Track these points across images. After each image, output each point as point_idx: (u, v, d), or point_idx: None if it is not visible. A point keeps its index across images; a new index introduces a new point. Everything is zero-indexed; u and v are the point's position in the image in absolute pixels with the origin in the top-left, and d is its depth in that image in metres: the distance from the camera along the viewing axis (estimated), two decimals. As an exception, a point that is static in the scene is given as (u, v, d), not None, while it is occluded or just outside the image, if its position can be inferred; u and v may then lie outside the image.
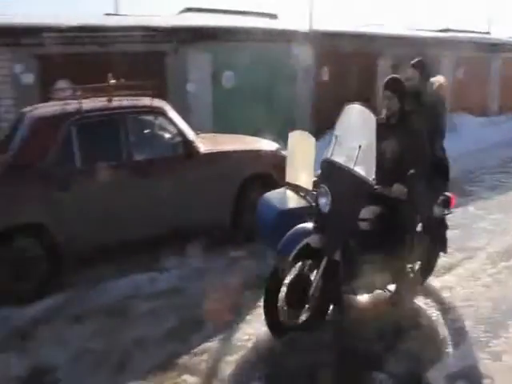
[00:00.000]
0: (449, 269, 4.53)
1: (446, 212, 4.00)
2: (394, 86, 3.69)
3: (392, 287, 3.80)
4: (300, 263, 3.50)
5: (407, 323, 3.68)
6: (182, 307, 3.91)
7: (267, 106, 8.83)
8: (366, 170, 3.29)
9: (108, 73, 4.82)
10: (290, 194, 3.94)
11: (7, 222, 3.96)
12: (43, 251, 4.16)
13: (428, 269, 4.15)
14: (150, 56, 8.00)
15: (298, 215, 3.53)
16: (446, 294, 4.12)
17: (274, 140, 5.79)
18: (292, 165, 4.05)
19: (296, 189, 3.90)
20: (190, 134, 5.03)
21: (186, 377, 3.11)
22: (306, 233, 3.40)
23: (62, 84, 6.75)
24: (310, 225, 3.41)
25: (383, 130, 3.41)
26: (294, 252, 3.30)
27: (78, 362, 3.27)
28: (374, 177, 3.29)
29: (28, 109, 4.74)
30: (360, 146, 3.25)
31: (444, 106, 4.60)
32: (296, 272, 3.51)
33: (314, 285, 3.41)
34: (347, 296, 3.71)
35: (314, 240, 3.37)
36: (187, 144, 4.86)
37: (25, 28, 7.14)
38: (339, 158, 3.38)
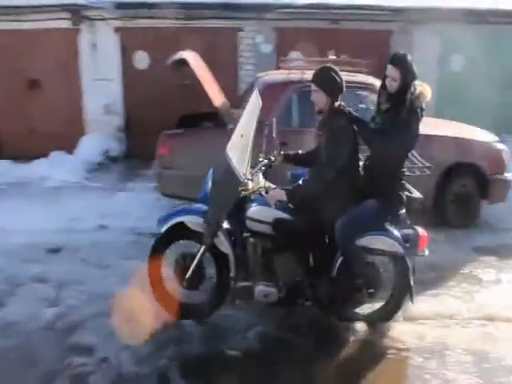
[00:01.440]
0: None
1: (413, 253, 3.34)
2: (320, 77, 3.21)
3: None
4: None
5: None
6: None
7: (503, 93, 8.24)
8: (238, 161, 3.09)
9: (335, 48, 5.24)
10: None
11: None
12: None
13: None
14: (375, 34, 8.20)
15: None
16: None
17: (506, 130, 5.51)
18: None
19: None
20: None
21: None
22: (188, 211, 3.40)
23: (293, 55, 7.56)
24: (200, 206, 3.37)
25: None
26: (166, 226, 3.32)
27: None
28: (245, 170, 3.17)
29: (262, 74, 5.53)
30: (241, 135, 3.14)
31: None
32: (183, 251, 3.42)
33: (190, 270, 3.31)
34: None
35: (190, 220, 3.33)
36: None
37: (267, 4, 8.10)
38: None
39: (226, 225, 3.33)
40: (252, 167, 3.41)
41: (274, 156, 3.50)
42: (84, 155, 7.85)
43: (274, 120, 3.76)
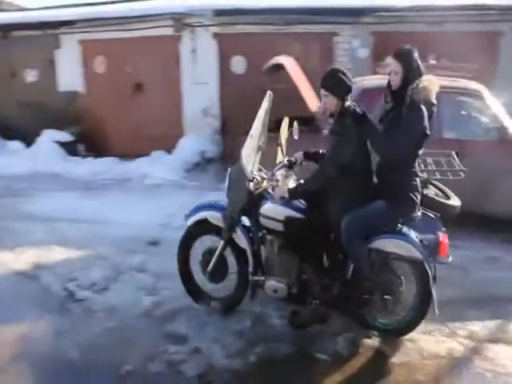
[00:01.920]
0: None
1: (434, 259, 3.14)
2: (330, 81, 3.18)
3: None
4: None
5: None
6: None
7: None
8: (246, 160, 3.24)
9: (435, 52, 5.06)
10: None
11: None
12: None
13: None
14: (481, 36, 7.74)
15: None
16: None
17: None
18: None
19: None
20: (507, 120, 4.86)
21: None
22: (212, 207, 3.58)
23: (389, 60, 7.31)
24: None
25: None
26: (192, 219, 3.57)
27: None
28: (251, 168, 3.32)
29: (358, 79, 5.46)
30: (251, 135, 3.24)
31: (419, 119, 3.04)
32: (209, 245, 3.59)
33: (211, 263, 3.51)
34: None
35: (211, 215, 3.52)
36: (502, 130, 4.75)
37: (365, 8, 7.98)
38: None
39: (246, 221, 3.49)
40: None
41: (294, 156, 3.61)
42: (182, 155, 8.25)
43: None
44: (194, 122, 8.85)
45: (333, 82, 3.17)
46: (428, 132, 3.05)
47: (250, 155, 3.33)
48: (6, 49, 9.92)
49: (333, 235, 3.25)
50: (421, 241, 3.17)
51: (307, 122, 5.53)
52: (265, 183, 3.44)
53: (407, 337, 3.35)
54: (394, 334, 3.36)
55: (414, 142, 3.04)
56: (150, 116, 9.11)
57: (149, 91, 9.21)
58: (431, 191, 3.55)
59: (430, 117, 3.08)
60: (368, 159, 3.21)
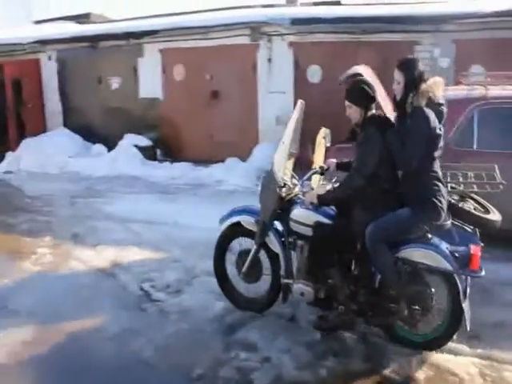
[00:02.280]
0: None
1: (464, 272, 3.03)
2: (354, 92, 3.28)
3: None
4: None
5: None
6: None
7: None
8: (278, 166, 3.42)
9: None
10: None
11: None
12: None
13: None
14: None
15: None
16: None
17: None
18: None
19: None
20: None
21: None
22: (245, 211, 3.75)
23: (475, 69, 7.02)
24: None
25: None
26: (226, 223, 3.77)
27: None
28: (282, 175, 3.45)
29: (438, 90, 5.25)
30: (283, 142, 3.40)
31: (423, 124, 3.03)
32: (245, 247, 3.75)
33: (245, 265, 3.67)
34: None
35: (244, 219, 3.70)
36: None
37: (446, 15, 7.69)
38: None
39: (279, 226, 3.63)
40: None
41: (327, 163, 3.74)
42: (256, 163, 8.35)
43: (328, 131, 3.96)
44: (269, 131, 8.93)
45: (355, 94, 3.28)
46: (438, 132, 3.06)
47: (281, 162, 3.46)
48: (93, 58, 10.57)
49: (360, 243, 3.24)
50: (452, 252, 3.09)
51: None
52: (296, 189, 3.58)
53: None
54: (422, 349, 3.26)
55: (422, 145, 3.03)
56: (225, 123, 9.30)
57: (225, 99, 9.42)
58: (470, 205, 3.50)
59: (439, 117, 3.11)
60: (393, 167, 3.20)
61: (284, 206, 3.52)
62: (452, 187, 3.56)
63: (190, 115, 9.62)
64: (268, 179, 3.56)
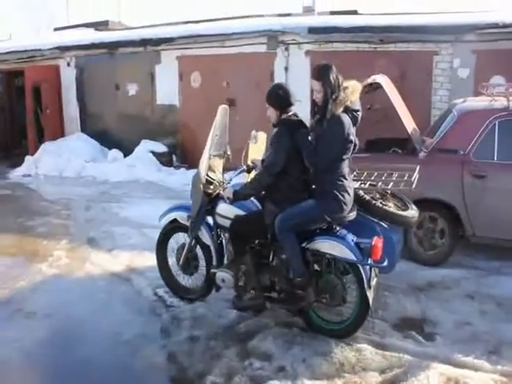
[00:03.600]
0: None
1: (367, 262, 3.26)
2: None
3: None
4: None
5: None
6: None
7: None
8: (202, 166, 3.77)
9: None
10: None
11: (421, 194, 4.48)
12: (446, 226, 4.74)
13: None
14: None
15: None
16: None
17: None
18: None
19: None
20: None
21: None
22: (181, 208, 4.12)
23: (496, 80, 6.94)
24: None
25: None
26: (165, 219, 4.15)
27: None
28: (205, 173, 3.76)
29: (459, 100, 5.22)
30: (206, 145, 3.75)
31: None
32: (182, 242, 4.10)
33: (181, 258, 4.04)
34: None
35: (180, 215, 4.07)
36: None
37: (467, 25, 7.61)
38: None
39: (210, 221, 3.96)
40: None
41: (253, 162, 4.01)
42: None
43: None
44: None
45: (271, 96, 3.55)
46: (351, 138, 3.31)
47: (204, 162, 3.77)
48: (111, 64, 10.70)
49: (270, 233, 3.50)
50: (357, 244, 3.32)
51: (403, 143, 5.37)
52: (224, 186, 3.88)
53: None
54: (337, 337, 3.49)
55: (334, 149, 3.29)
56: (240, 131, 9.28)
57: (241, 107, 9.44)
58: (389, 202, 3.77)
59: (354, 121, 3.36)
60: (301, 164, 3.46)
61: (211, 202, 3.87)
62: (371, 185, 3.85)
63: (206, 122, 9.56)
64: (195, 178, 3.89)
